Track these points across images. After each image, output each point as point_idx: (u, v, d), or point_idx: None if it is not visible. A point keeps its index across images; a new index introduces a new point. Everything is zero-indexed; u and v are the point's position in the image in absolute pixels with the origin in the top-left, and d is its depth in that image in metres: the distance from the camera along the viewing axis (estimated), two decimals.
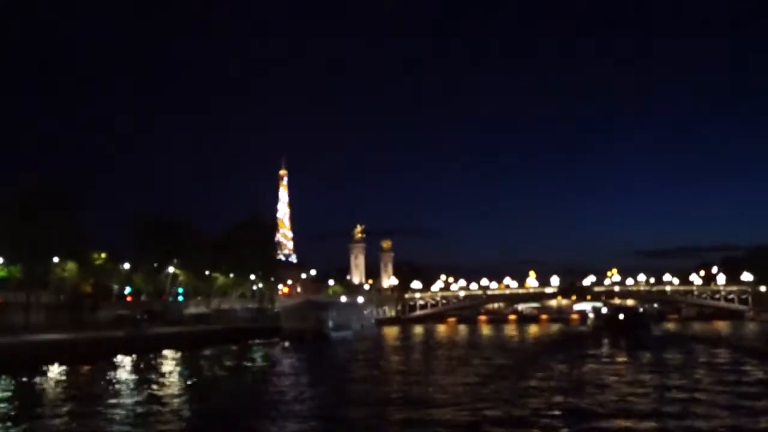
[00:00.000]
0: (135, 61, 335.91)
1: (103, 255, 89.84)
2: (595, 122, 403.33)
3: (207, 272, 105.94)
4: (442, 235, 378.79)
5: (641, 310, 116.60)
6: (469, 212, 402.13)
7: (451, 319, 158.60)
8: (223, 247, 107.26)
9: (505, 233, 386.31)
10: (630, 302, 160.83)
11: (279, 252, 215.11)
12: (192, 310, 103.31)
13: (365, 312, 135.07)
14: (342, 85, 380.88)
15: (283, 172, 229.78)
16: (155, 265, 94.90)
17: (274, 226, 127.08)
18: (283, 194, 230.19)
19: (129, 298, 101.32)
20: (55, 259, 77.19)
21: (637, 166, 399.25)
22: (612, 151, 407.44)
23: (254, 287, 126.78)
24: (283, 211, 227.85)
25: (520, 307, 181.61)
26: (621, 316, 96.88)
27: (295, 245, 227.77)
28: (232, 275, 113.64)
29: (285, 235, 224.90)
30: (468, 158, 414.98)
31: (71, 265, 78.52)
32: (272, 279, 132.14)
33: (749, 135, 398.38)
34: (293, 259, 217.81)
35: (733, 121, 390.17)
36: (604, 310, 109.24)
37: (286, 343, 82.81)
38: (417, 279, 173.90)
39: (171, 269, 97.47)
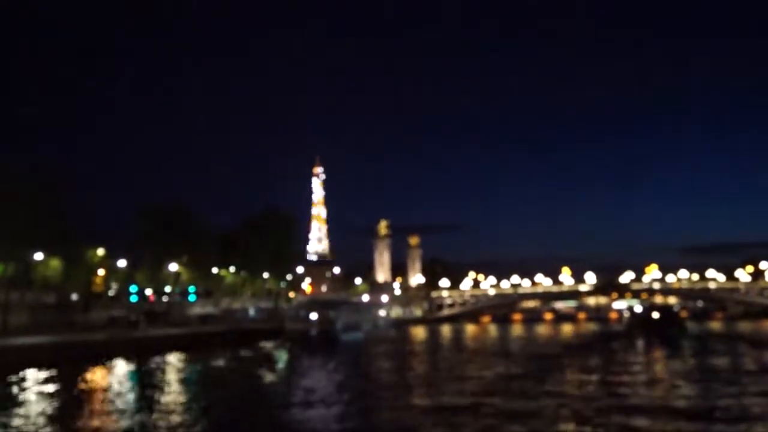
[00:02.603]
0: (145, 41, 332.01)
1: (99, 251, 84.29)
2: (635, 115, 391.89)
3: (215, 269, 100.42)
4: (471, 231, 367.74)
5: (676, 308, 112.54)
6: (499, 208, 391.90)
7: (485, 319, 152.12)
8: (233, 242, 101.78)
9: (537, 229, 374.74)
10: (672, 300, 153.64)
11: (314, 250, 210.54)
12: (198, 310, 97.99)
13: (380, 311, 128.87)
14: (369, 81, 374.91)
15: (317, 168, 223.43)
16: (157, 261, 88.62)
17: (293, 221, 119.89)
18: (318, 190, 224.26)
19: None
20: (39, 256, 70.43)
21: (678, 158, 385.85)
22: (652, 143, 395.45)
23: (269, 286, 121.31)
24: (318, 208, 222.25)
25: (557, 305, 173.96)
26: (655, 315, 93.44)
27: (330, 243, 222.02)
28: (243, 273, 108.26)
29: (319, 233, 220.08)
30: (498, 153, 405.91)
31: (55, 262, 72.72)
32: (290, 277, 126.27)
33: None
34: (327, 257, 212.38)
35: None
36: (638, 309, 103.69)
37: (288, 345, 76.73)
38: (445, 277, 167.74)
39: (174, 266, 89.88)
